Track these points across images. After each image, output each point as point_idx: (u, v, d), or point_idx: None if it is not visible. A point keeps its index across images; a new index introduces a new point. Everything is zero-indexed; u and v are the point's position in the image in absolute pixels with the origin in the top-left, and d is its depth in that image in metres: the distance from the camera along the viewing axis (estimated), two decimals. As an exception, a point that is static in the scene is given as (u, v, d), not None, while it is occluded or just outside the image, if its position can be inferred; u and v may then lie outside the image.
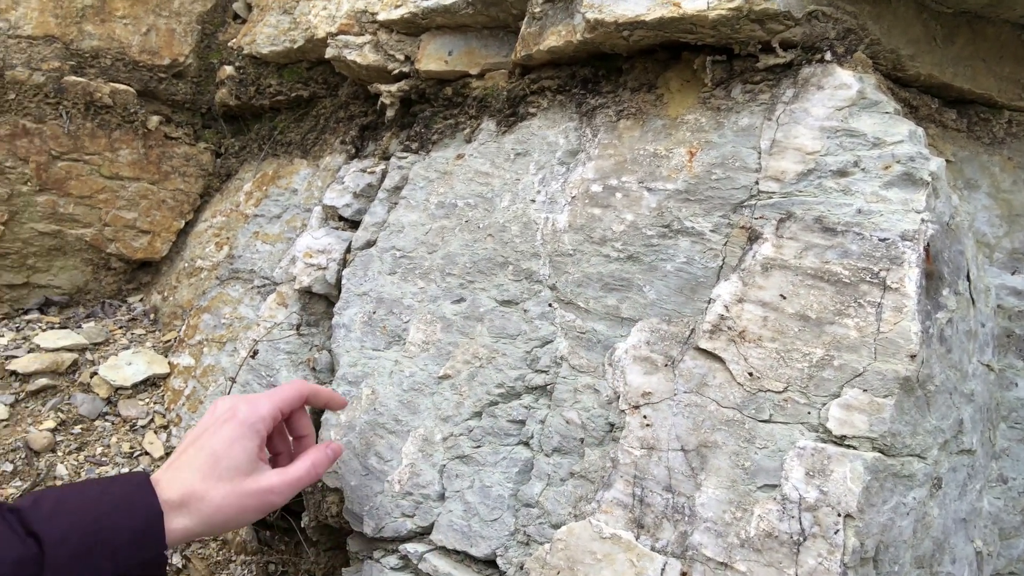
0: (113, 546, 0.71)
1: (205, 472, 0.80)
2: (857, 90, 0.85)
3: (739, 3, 0.88)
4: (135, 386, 1.48)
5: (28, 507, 0.71)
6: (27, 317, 1.66)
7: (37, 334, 1.56)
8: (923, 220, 0.76)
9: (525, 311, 1.03)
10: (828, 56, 0.90)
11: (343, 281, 1.27)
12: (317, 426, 1.19)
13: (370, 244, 1.28)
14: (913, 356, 0.71)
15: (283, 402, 0.91)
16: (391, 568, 1.00)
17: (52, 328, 1.60)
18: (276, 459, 0.97)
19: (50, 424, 1.37)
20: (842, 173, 0.82)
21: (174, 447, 1.39)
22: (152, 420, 1.45)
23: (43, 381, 1.44)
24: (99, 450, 1.37)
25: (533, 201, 1.09)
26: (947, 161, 1.00)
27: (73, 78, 1.63)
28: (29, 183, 1.61)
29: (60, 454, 1.35)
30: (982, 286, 0.89)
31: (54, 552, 0.69)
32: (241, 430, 0.84)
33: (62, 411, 1.41)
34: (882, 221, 0.77)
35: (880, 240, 0.77)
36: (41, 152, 1.61)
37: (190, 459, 0.81)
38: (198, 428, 0.87)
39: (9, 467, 1.29)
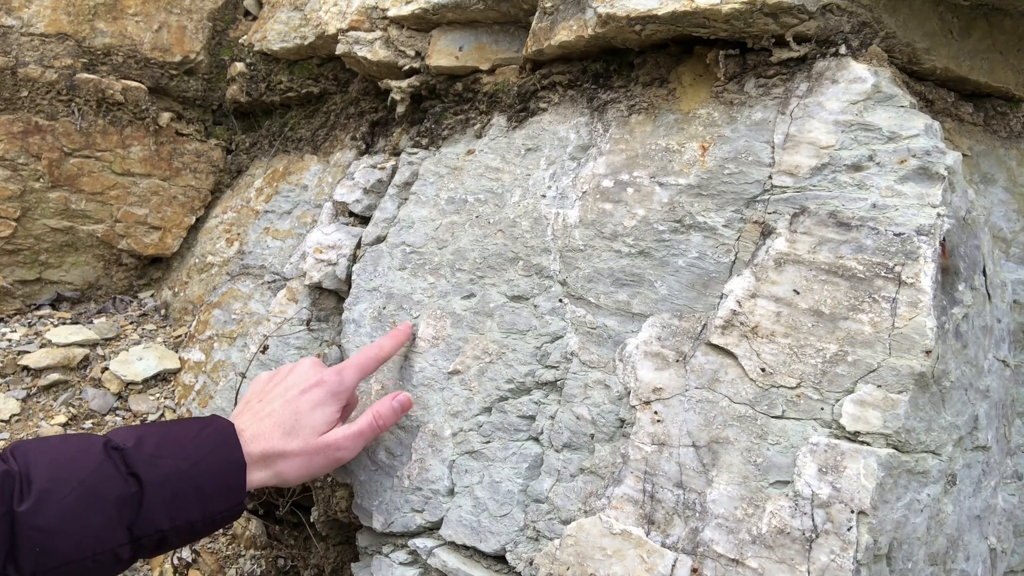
0: (203, 494, 0.79)
1: (286, 431, 0.88)
2: (872, 84, 0.84)
3: (752, -4, 0.87)
4: (146, 381, 1.49)
5: (131, 448, 0.78)
6: (39, 313, 1.67)
7: (49, 329, 1.57)
8: (939, 215, 0.75)
9: (535, 306, 1.02)
10: (843, 50, 0.89)
11: (353, 276, 1.27)
12: None
13: (380, 240, 1.28)
14: (928, 352, 0.70)
15: (366, 371, 1.00)
16: (400, 563, 1.00)
17: (64, 323, 1.61)
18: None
19: (61, 419, 1.38)
20: (857, 167, 0.81)
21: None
22: (163, 415, 1.46)
23: (55, 376, 1.44)
24: (110, 445, 1.38)
25: (544, 196, 1.08)
26: (963, 155, 0.99)
27: (85, 75, 1.63)
28: (41, 180, 1.61)
29: (72, 448, 1.35)
30: (998, 281, 0.88)
31: (152, 494, 0.76)
32: (326, 398, 0.92)
33: (73, 406, 1.42)
34: (897, 216, 0.77)
35: (895, 235, 0.76)
36: (53, 149, 1.61)
37: (274, 416, 0.89)
38: (280, 382, 0.95)
39: (21, 461, 1.30)
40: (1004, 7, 0.99)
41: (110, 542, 0.73)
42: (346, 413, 1.01)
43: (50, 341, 1.52)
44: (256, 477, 0.85)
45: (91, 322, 1.64)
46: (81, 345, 1.52)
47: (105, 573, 0.75)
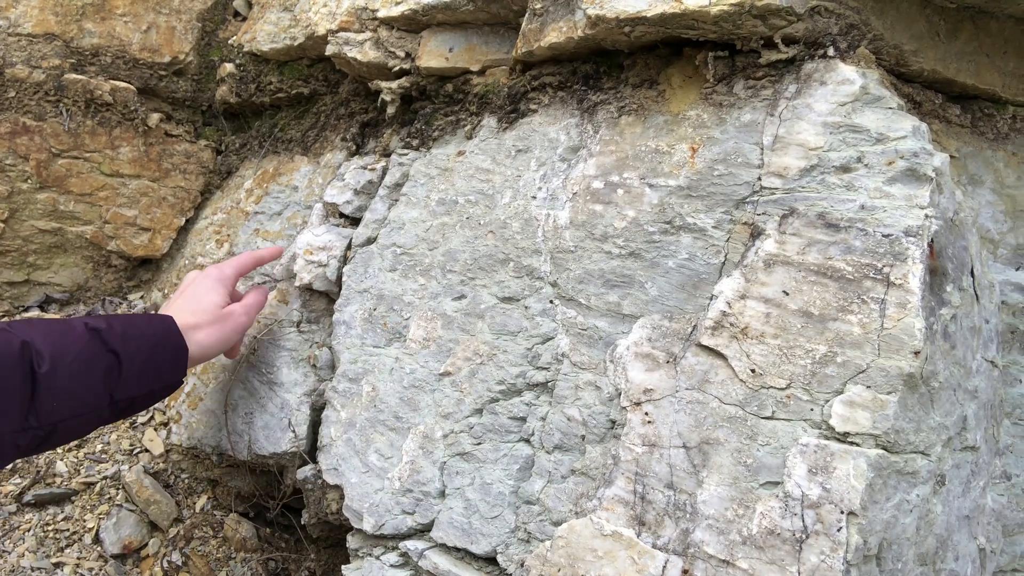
0: (159, 366, 1.03)
1: (194, 310, 1.14)
2: (860, 85, 0.85)
3: (741, -2, 0.87)
4: (135, 384, 1.48)
5: (105, 329, 0.98)
6: (27, 315, 1.65)
7: (37, 332, 1.55)
8: (927, 216, 0.75)
9: (526, 308, 1.02)
10: (831, 51, 0.90)
11: (344, 278, 1.27)
12: (314, 438, 1.20)
13: (371, 241, 1.28)
14: (917, 352, 0.71)
15: (241, 265, 1.28)
16: (391, 565, 1.00)
17: (52, 326, 1.60)
18: None
19: (50, 422, 1.37)
20: (845, 169, 0.82)
21: (174, 444, 1.39)
22: (152, 417, 1.45)
23: (43, 379, 1.43)
24: (99, 447, 1.37)
25: (534, 198, 1.08)
26: (951, 157, 1.00)
27: (73, 76, 1.62)
28: (29, 181, 1.60)
29: (60, 451, 1.35)
30: (986, 282, 0.89)
31: (127, 366, 0.98)
32: (214, 284, 1.20)
33: (62, 409, 1.41)
34: (885, 217, 0.77)
35: (884, 236, 0.76)
36: (41, 150, 1.60)
37: (184, 304, 1.16)
38: (180, 288, 1.22)
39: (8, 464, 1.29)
40: (990, 10, 1.00)
41: (101, 403, 0.95)
42: (232, 296, 1.25)
43: (38, 343, 1.51)
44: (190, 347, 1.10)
45: (80, 324, 1.63)
46: (70, 347, 1.51)
47: (91, 427, 0.99)
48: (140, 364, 0.99)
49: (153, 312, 1.19)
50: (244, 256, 1.30)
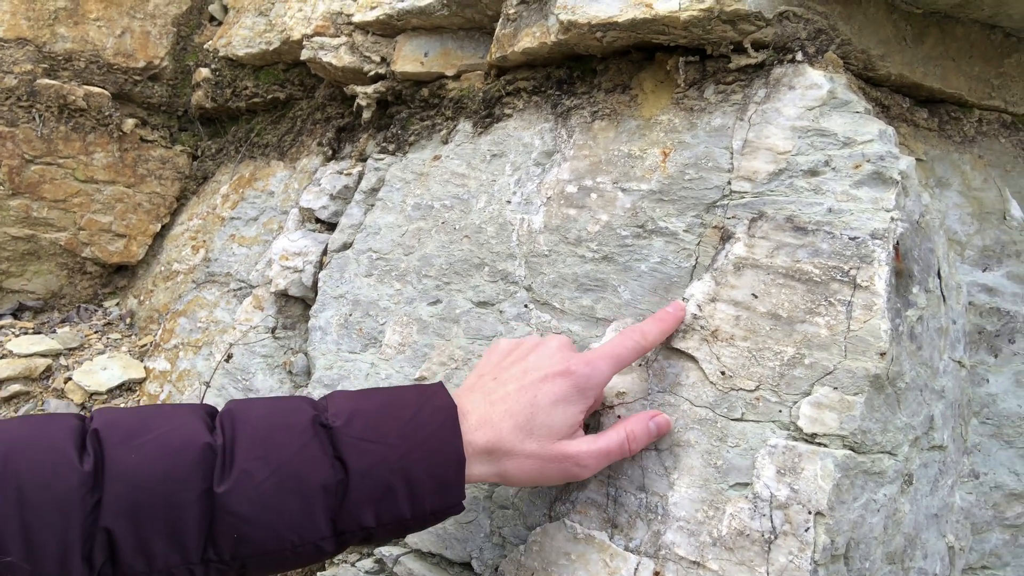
0: (414, 488, 0.68)
1: (519, 423, 0.71)
2: (828, 90, 0.86)
3: (710, 4, 0.88)
4: (110, 391, 1.47)
5: (341, 426, 0.68)
6: (0, 323, 1.63)
7: (10, 340, 1.54)
8: (893, 218, 0.76)
9: (501, 312, 1.02)
10: (799, 56, 0.91)
11: (319, 284, 1.27)
12: None
13: (347, 246, 1.28)
14: (883, 354, 0.71)
15: (622, 364, 0.78)
16: (366, 572, 0.99)
17: (26, 333, 1.58)
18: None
19: (23, 431, 1.35)
20: (813, 172, 0.82)
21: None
22: (127, 426, 1.43)
23: (16, 387, 1.42)
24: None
25: (509, 202, 1.08)
26: (919, 160, 1.01)
27: (46, 81, 1.61)
28: (2, 187, 1.59)
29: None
30: (953, 283, 0.90)
31: (358, 483, 0.66)
32: (570, 393, 0.74)
33: (35, 417, 1.39)
34: (852, 220, 0.78)
35: (850, 239, 0.77)
36: (14, 156, 1.59)
37: (508, 402, 0.73)
38: (519, 359, 0.78)
39: (-20, 475, 1.27)
40: (956, 15, 1.01)
41: (311, 534, 0.65)
42: (588, 413, 0.80)
43: (11, 352, 1.49)
44: (477, 471, 0.72)
45: (54, 332, 1.62)
46: (43, 355, 1.50)
47: (308, 562, 0.68)
48: (379, 481, 0.67)
49: (439, 385, 0.78)
50: (626, 343, 0.79)
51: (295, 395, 0.99)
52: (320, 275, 1.27)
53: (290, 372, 1.26)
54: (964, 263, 1.01)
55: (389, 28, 1.35)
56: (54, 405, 1.42)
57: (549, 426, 0.73)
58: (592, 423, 0.87)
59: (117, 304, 1.76)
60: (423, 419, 0.70)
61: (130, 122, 1.71)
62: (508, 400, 0.73)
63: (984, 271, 1.01)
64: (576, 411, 0.75)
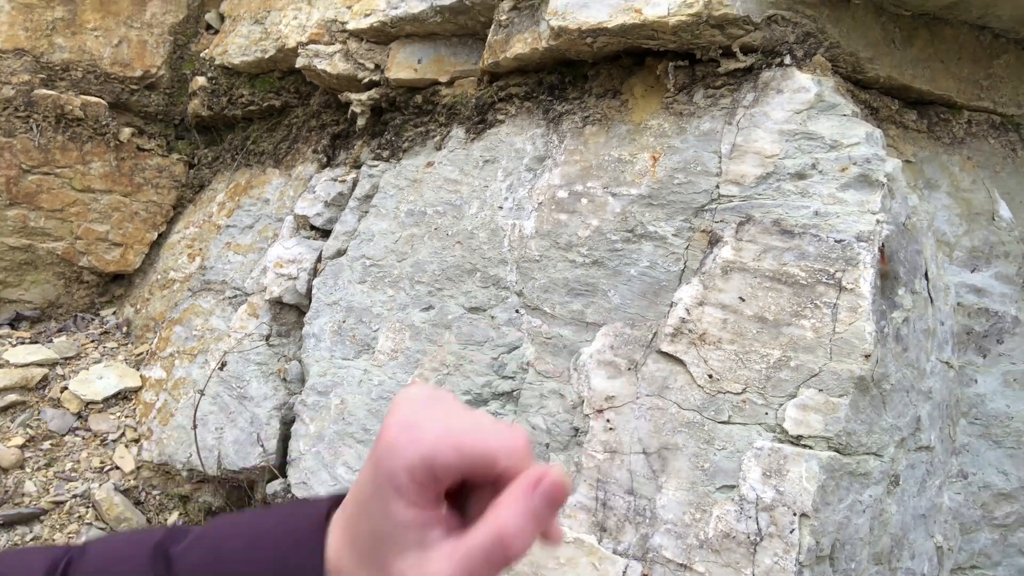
0: None
1: (352, 540, 0.48)
2: (815, 93, 0.86)
3: (699, 8, 0.89)
4: (106, 400, 1.47)
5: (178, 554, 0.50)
6: (-2, 332, 1.64)
7: (7, 349, 1.54)
8: (878, 221, 0.77)
9: (492, 317, 1.03)
10: (788, 60, 0.91)
11: (313, 291, 1.27)
12: (284, 452, 1.18)
13: (340, 253, 1.28)
14: (867, 356, 0.72)
15: (462, 454, 0.40)
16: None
17: (23, 343, 1.59)
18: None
19: (19, 440, 1.36)
20: (800, 176, 0.83)
21: (145, 461, 1.38)
22: (123, 434, 1.44)
23: (12, 397, 1.42)
24: (69, 465, 1.36)
25: (500, 208, 1.09)
26: (908, 161, 1.01)
27: (43, 91, 1.62)
28: (-1, 197, 1.59)
29: (29, 470, 1.33)
30: (941, 284, 0.90)
31: None
32: (379, 489, 0.46)
33: (31, 427, 1.40)
34: (838, 223, 0.78)
35: (836, 241, 0.77)
36: (11, 166, 1.60)
37: (354, 512, 0.48)
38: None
39: (-23, 483, 1.28)
40: (945, 17, 1.01)
41: None
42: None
43: (8, 361, 1.50)
44: None
45: (51, 341, 1.62)
46: (40, 365, 1.50)
47: None
48: None
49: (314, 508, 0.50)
50: (480, 443, 0.42)
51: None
52: (314, 282, 1.28)
53: (284, 379, 1.26)
54: (953, 264, 1.01)
55: (383, 35, 1.35)
56: (50, 415, 1.42)
57: (376, 539, 0.30)
58: (582, 427, 0.87)
59: (114, 313, 1.77)
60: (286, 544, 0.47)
61: (127, 131, 1.71)
62: (356, 510, 0.39)
63: (973, 272, 1.01)
64: (399, 509, 0.30)
